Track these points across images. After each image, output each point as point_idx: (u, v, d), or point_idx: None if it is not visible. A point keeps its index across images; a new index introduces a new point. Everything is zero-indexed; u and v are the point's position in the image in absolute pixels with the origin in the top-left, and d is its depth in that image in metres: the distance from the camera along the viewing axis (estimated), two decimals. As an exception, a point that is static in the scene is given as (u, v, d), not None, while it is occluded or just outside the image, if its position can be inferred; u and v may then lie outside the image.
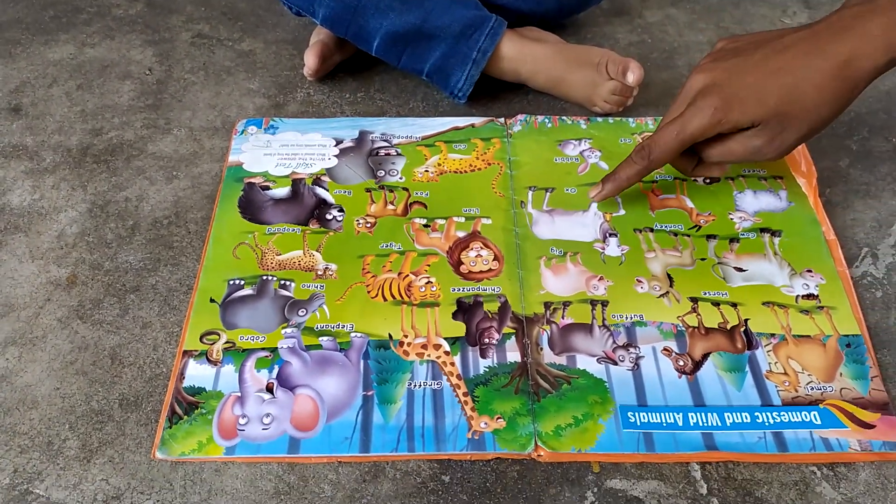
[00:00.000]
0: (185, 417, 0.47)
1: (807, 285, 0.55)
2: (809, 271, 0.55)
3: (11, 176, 0.61)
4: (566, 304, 0.53)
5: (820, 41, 0.48)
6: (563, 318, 0.52)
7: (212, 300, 0.53)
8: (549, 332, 0.51)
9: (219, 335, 0.51)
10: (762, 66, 0.49)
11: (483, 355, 0.50)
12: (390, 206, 0.60)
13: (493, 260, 0.56)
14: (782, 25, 0.78)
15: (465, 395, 0.48)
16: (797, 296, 0.54)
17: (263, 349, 0.50)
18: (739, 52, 0.51)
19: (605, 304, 0.53)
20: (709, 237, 0.58)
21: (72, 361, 0.49)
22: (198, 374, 0.49)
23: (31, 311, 0.51)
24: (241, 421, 0.46)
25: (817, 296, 0.54)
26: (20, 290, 0.53)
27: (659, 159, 0.53)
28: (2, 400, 0.47)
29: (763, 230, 0.58)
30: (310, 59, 0.71)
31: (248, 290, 0.54)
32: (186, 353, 0.50)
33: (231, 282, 0.54)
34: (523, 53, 0.68)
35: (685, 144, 0.52)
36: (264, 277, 0.54)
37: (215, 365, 0.49)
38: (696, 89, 0.51)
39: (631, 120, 0.68)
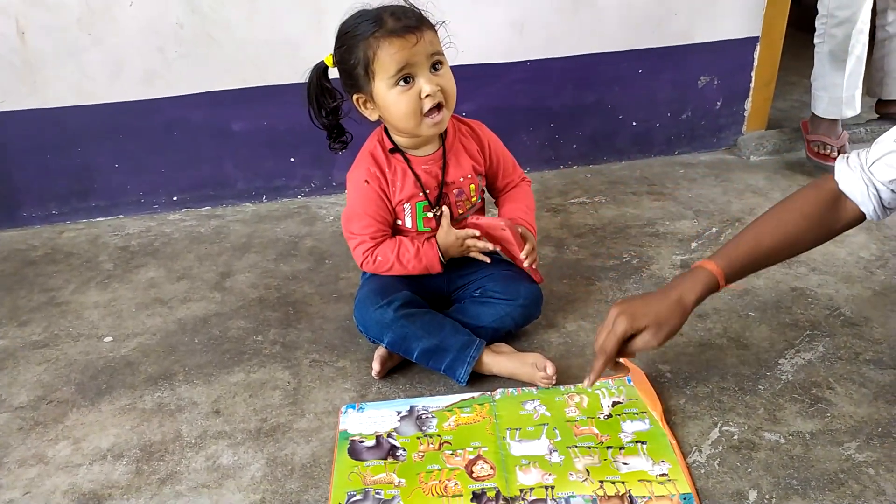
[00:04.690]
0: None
1: (662, 469, 0.96)
2: (663, 461, 0.97)
3: (218, 449, 1.06)
4: (531, 489, 0.94)
5: (669, 289, 0.99)
6: (529, 496, 0.93)
7: (340, 503, 0.94)
8: (522, 505, 0.92)
9: (346, 520, 0.91)
10: (646, 302, 0.98)
11: (488, 519, 0.90)
12: (431, 446, 1.03)
13: (490, 469, 0.98)
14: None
15: (480, 540, 0.87)
16: (657, 474, 0.95)
17: (370, 526, 0.90)
18: (633, 299, 1.00)
19: (552, 487, 0.94)
20: (608, 447, 1.01)
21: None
22: (336, 542, 0.88)
23: (243, 517, 0.92)
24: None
25: (667, 473, 0.95)
26: (235, 507, 0.94)
27: (609, 354, 0.97)
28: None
29: (637, 441, 1.01)
30: (376, 366, 1.17)
31: (358, 497, 0.95)
32: (329, 531, 0.90)
33: (349, 493, 0.95)
34: (494, 360, 1.15)
35: (619, 341, 0.97)
36: (366, 490, 0.96)
37: (346, 536, 0.89)
38: (614, 314, 0.98)
39: (561, 387, 1.14)
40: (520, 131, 1.97)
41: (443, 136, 1.20)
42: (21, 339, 1.38)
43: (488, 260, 1.22)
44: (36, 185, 1.85)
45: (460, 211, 1.22)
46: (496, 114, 1.86)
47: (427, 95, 1.07)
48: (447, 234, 1.19)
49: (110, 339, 1.36)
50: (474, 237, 1.18)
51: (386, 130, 1.19)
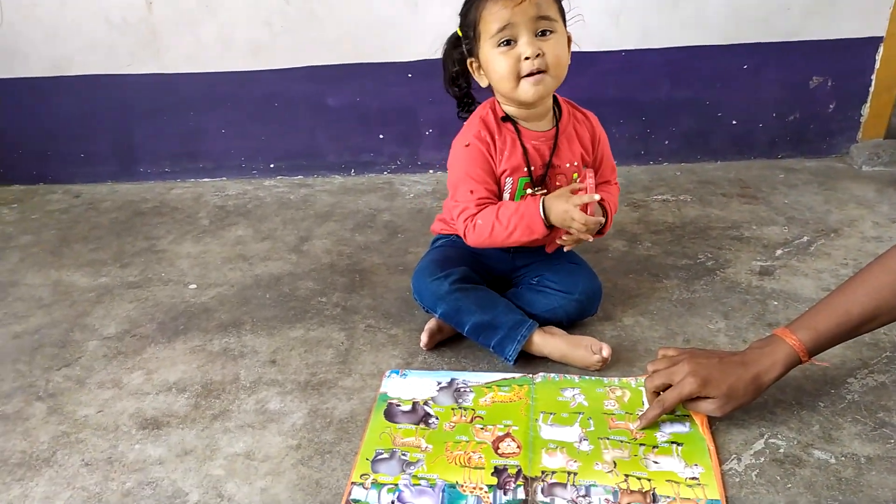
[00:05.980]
0: (351, 511, 0.89)
1: (693, 472, 0.92)
2: (696, 465, 0.93)
3: (268, 395, 1.12)
4: (553, 472, 0.93)
5: (746, 364, 0.94)
6: (550, 478, 0.92)
7: (367, 458, 0.97)
8: (542, 486, 0.91)
9: (369, 475, 0.94)
10: (723, 370, 0.94)
11: (505, 494, 0.90)
12: (463, 418, 1.04)
13: (517, 447, 0.98)
14: (708, 331, 1.22)
15: (493, 513, 0.88)
16: (687, 477, 0.91)
17: (392, 484, 0.93)
18: (710, 361, 0.95)
19: (575, 474, 0.93)
20: (641, 444, 0.98)
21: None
22: (357, 494, 0.92)
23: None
24: (379, 514, 0.88)
25: (697, 478, 0.91)
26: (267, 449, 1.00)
27: (668, 408, 0.96)
28: None
29: (673, 442, 0.97)
30: (424, 338, 1.19)
31: (385, 455, 0.98)
32: (353, 483, 0.93)
33: (377, 450, 0.99)
34: (546, 340, 1.16)
35: (682, 400, 0.95)
36: (394, 450, 0.99)
37: (367, 489, 0.92)
38: (685, 371, 0.93)
39: (604, 378, 1.11)
40: (609, 124, 1.88)
41: (557, 117, 1.17)
42: (120, 278, 1.53)
43: (589, 238, 1.09)
44: (152, 144, 2.02)
45: None
46: (585, 104, 1.79)
47: (526, 58, 1.03)
48: (559, 195, 1.08)
49: (194, 286, 1.48)
50: (584, 208, 1.06)
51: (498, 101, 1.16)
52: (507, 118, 1.14)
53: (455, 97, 1.20)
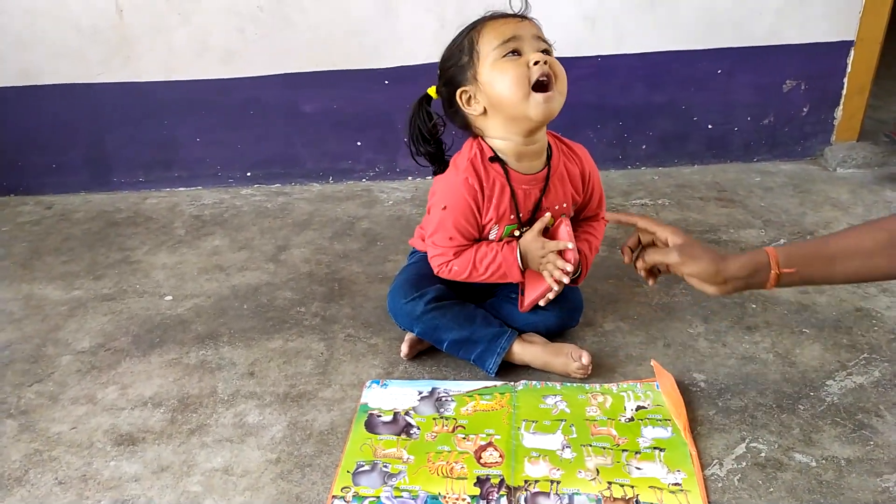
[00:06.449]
0: (332, 527, 0.87)
1: (676, 478, 0.92)
2: (679, 471, 0.93)
3: (246, 408, 1.11)
4: (536, 481, 0.92)
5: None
6: (533, 487, 0.91)
7: (348, 471, 0.96)
8: (525, 495, 0.90)
9: (350, 488, 0.93)
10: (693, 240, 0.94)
11: (488, 505, 0.89)
12: (445, 428, 1.03)
13: (499, 457, 0.97)
14: (688, 335, 1.22)
15: (476, 524, 0.87)
16: (669, 483, 0.91)
17: (374, 497, 0.91)
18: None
19: (558, 482, 0.92)
20: (623, 450, 0.97)
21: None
22: (339, 507, 0.90)
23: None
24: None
25: (680, 483, 0.91)
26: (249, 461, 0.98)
27: (630, 219, 1.00)
28: (243, 514, 0.89)
29: (655, 448, 0.97)
30: (404, 348, 1.18)
31: (366, 467, 0.96)
32: (334, 497, 0.92)
33: (358, 462, 0.97)
34: (525, 349, 1.15)
35: (646, 226, 0.97)
36: (375, 462, 0.97)
37: (348, 503, 0.90)
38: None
39: (586, 385, 1.11)
40: (586, 128, 1.93)
41: (548, 156, 1.13)
42: (94, 291, 1.49)
43: (565, 280, 1.08)
44: (126, 153, 1.98)
45: None
46: (562, 109, 1.82)
47: (535, 63, 1.00)
48: (534, 239, 1.09)
49: (170, 298, 1.45)
50: (559, 255, 1.08)
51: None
52: (495, 158, 1.09)
53: (427, 155, 1.13)
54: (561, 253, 1.08)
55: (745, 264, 0.89)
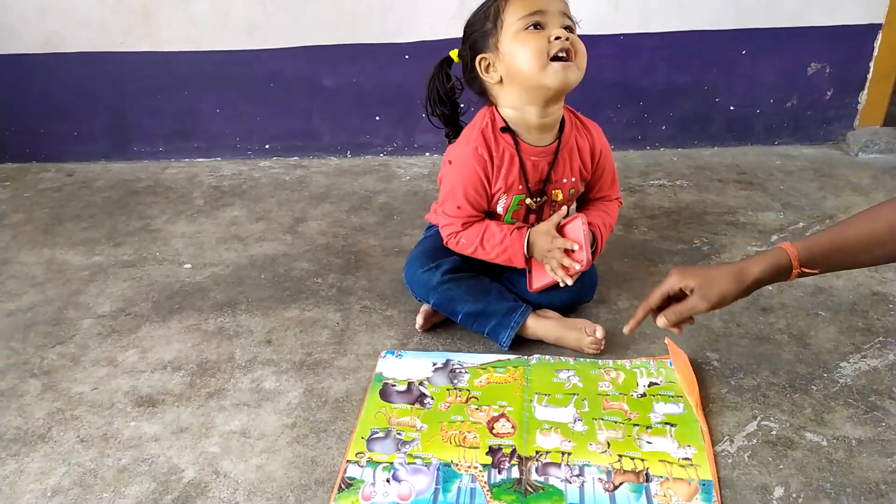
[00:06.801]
0: (346, 490, 0.89)
1: (686, 453, 0.93)
2: (689, 446, 0.94)
3: (263, 374, 1.13)
4: (547, 452, 0.94)
5: (732, 265, 0.92)
6: (544, 458, 0.93)
7: (362, 437, 0.98)
8: (536, 465, 0.92)
9: (364, 453, 0.95)
10: (705, 267, 0.94)
11: (500, 473, 0.91)
12: (458, 399, 1.05)
13: (511, 428, 0.98)
14: (703, 315, 1.22)
15: (487, 491, 0.88)
16: (680, 458, 0.92)
17: (387, 462, 0.93)
18: (693, 268, 0.95)
19: (569, 454, 0.93)
20: (634, 425, 0.98)
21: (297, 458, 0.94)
22: (353, 472, 0.92)
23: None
24: (373, 495, 0.88)
25: (690, 458, 0.92)
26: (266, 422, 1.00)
27: (649, 303, 0.95)
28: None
29: (666, 423, 0.98)
30: (419, 320, 1.19)
31: (380, 434, 0.98)
32: (348, 461, 0.94)
33: (373, 429, 0.99)
34: (539, 323, 1.16)
35: (663, 294, 0.94)
36: (389, 429, 0.99)
37: (362, 467, 0.93)
38: (673, 273, 0.94)
39: (599, 360, 1.12)
40: (606, 108, 1.92)
41: (560, 129, 1.13)
42: (114, 257, 1.52)
43: (567, 282, 1.10)
44: (147, 123, 2.00)
45: (550, 211, 1.17)
46: (582, 87, 1.80)
47: (556, 38, 1.00)
48: (546, 232, 1.11)
49: (189, 266, 1.47)
50: (567, 254, 1.09)
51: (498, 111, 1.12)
52: (506, 129, 1.10)
53: (442, 117, 1.16)
54: (569, 252, 1.09)
55: (767, 269, 0.90)
